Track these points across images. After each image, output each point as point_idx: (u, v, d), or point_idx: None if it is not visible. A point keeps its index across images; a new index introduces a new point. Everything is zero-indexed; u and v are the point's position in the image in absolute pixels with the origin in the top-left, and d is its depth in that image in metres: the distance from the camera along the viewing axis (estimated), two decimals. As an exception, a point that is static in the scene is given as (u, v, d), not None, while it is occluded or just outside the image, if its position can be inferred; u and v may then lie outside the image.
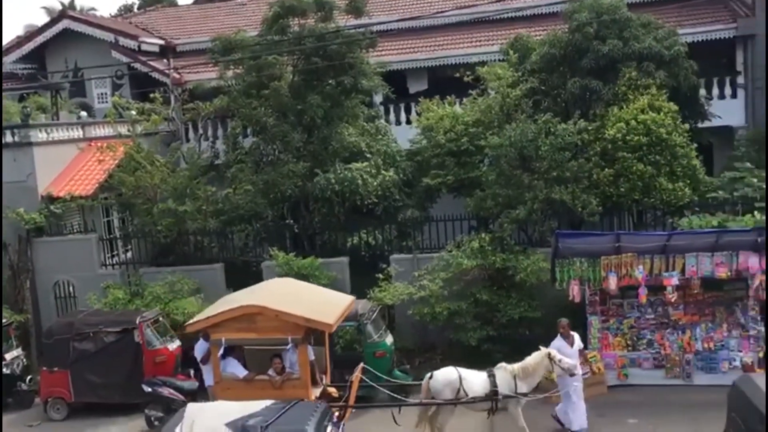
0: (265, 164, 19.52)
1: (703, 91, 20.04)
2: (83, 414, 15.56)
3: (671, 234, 14.37)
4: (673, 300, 14.07)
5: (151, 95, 22.43)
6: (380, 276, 16.76)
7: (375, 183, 18.02)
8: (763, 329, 14.02)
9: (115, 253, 19.91)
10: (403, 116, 23.71)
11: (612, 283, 14.01)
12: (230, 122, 21.69)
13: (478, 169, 18.33)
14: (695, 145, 17.19)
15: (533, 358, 12.17)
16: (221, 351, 11.70)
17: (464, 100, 20.54)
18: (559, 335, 12.93)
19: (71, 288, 18.74)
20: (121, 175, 19.49)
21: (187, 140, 24.21)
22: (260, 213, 18.79)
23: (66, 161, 20.34)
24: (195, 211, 18.90)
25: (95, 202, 19.78)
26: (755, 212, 15.41)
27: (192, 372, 15.17)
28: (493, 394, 11.89)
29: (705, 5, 22.77)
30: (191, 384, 14.79)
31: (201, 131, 23.88)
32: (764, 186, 16.47)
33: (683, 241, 13.98)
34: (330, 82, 19.38)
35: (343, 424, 10.00)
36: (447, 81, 22.60)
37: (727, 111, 20.79)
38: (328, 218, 18.67)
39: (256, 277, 17.88)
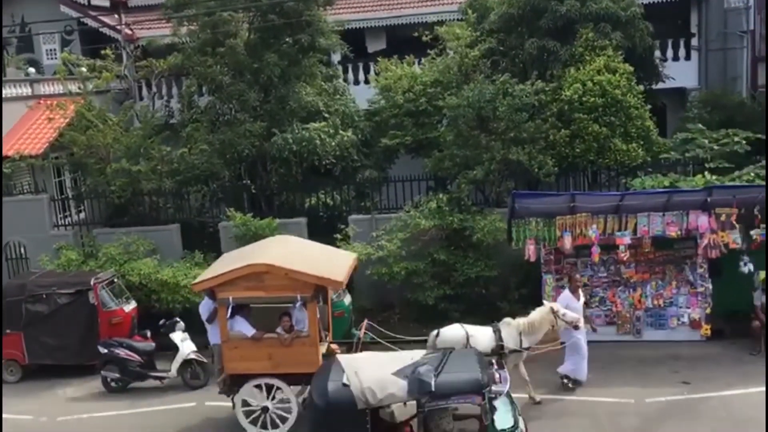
0: (221, 124, 19.21)
1: (657, 53, 20.23)
2: (38, 376, 15.41)
3: (624, 194, 14.62)
4: (625, 258, 14.37)
5: (103, 52, 21.73)
6: (338, 236, 16.76)
7: (333, 143, 17.90)
8: (710, 286, 14.46)
9: (68, 213, 19.50)
10: (361, 76, 23.51)
11: (566, 242, 14.25)
12: (185, 80, 21.18)
13: (436, 130, 18.37)
14: (649, 106, 17.45)
15: (538, 313, 12.28)
16: (229, 310, 11.61)
17: (423, 60, 20.43)
18: (567, 288, 13.25)
19: (22, 249, 18.35)
20: (72, 134, 18.98)
21: (141, 98, 23.69)
22: (217, 173, 18.55)
23: (14, 119, 19.76)
24: (149, 171, 18.55)
25: (46, 162, 19.30)
26: (705, 172, 15.75)
27: (149, 333, 15.09)
28: (499, 349, 11.96)
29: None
30: (148, 345, 14.73)
31: (155, 89, 23.36)
32: (715, 147, 16.83)
33: (635, 201, 14.25)
34: (287, 40, 19.05)
35: (505, 369, 10.16)
36: (406, 40, 22.44)
37: (680, 73, 21.12)
38: (285, 178, 18.54)
39: (212, 238, 17.78)
